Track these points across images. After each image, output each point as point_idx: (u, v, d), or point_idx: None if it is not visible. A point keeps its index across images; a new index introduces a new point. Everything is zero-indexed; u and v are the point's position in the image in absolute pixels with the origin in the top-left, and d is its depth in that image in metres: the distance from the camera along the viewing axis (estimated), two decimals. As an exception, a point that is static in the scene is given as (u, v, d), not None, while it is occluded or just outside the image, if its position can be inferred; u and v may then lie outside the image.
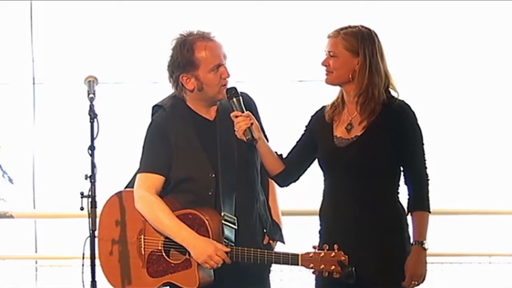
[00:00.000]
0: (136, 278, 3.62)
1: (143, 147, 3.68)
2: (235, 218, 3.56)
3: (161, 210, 3.55)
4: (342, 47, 3.53)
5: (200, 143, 3.61)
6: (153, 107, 3.73)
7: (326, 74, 3.58)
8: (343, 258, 3.33)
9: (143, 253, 3.62)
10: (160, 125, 3.64)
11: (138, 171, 3.66)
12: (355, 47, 3.52)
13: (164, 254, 3.59)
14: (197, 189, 3.59)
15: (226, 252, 3.47)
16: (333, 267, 3.33)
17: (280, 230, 3.79)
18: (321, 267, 3.34)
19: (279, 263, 3.47)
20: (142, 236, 3.62)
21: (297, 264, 3.40)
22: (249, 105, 3.68)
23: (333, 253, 3.34)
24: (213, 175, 3.58)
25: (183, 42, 3.58)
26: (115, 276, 3.66)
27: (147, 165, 3.64)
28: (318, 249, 3.37)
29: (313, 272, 3.38)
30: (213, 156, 3.59)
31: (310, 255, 3.37)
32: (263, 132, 3.74)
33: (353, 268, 3.31)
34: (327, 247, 3.35)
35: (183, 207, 3.58)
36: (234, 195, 3.58)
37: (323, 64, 3.57)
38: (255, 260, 3.45)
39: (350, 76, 3.53)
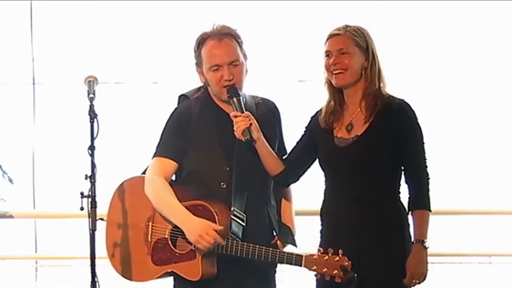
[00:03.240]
0: (139, 264, 3.62)
1: (162, 132, 3.70)
2: (245, 215, 3.56)
3: (165, 192, 3.56)
4: (353, 44, 3.52)
5: (219, 137, 3.62)
6: (179, 96, 3.77)
7: (339, 73, 3.54)
8: (346, 263, 3.33)
9: (149, 240, 3.62)
10: (182, 114, 3.67)
11: (153, 156, 3.68)
12: (363, 44, 3.53)
13: (170, 243, 3.59)
14: (210, 180, 3.60)
15: (234, 240, 3.45)
16: (335, 271, 3.33)
17: (292, 234, 3.79)
18: (324, 270, 3.34)
19: (282, 262, 3.47)
20: (150, 223, 3.62)
21: (300, 265, 3.40)
22: (273, 113, 3.74)
23: (337, 258, 3.34)
24: (228, 168, 3.59)
25: (199, 37, 3.65)
26: (118, 260, 3.66)
27: (161, 149, 3.66)
28: (323, 252, 3.36)
29: (316, 275, 3.38)
30: (231, 151, 3.60)
31: (314, 257, 3.37)
32: (283, 143, 3.77)
33: (355, 274, 3.31)
34: (332, 251, 3.35)
35: (194, 198, 3.58)
36: (246, 193, 3.59)
37: (334, 62, 3.53)
38: (259, 257, 3.45)
39: (362, 73, 3.53)
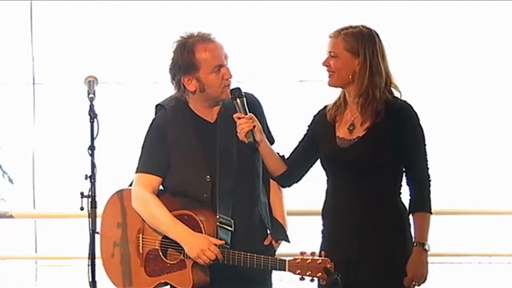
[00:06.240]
0: (135, 276, 3.65)
1: (142, 146, 3.69)
2: (232, 220, 3.56)
3: (155, 206, 3.56)
4: (343, 48, 3.52)
5: (199, 146, 3.61)
6: (156, 105, 3.74)
7: (329, 76, 3.57)
8: (329, 265, 3.32)
9: (141, 252, 3.64)
10: (160, 126, 3.66)
11: (136, 171, 3.68)
12: (355, 47, 3.51)
13: (161, 253, 3.60)
14: (192, 192, 3.60)
15: (220, 247, 3.46)
16: (319, 273, 3.33)
17: (285, 230, 3.78)
18: (308, 273, 3.34)
19: (267, 267, 3.46)
20: (141, 235, 3.64)
21: (284, 270, 3.40)
22: (255, 106, 3.68)
23: (320, 260, 3.34)
24: (209, 178, 3.58)
25: (183, 44, 3.58)
26: (115, 273, 3.69)
27: (144, 165, 3.66)
28: (305, 255, 3.36)
29: (300, 279, 3.38)
30: (211, 158, 3.59)
31: (297, 261, 3.37)
32: (270, 133, 3.74)
33: (338, 276, 3.31)
34: (314, 254, 3.36)
35: (180, 208, 3.58)
36: (232, 198, 3.58)
37: (324, 64, 3.57)
38: (244, 263, 3.45)
39: (350, 77, 3.52)
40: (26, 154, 7.89)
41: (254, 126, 3.54)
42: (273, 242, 3.73)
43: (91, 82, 3.52)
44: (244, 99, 3.57)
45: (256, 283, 3.67)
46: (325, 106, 3.69)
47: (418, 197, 3.53)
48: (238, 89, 3.58)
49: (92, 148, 3.41)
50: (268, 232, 3.73)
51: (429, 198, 3.54)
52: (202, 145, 3.61)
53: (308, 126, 3.73)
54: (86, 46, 7.76)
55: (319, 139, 3.65)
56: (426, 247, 3.49)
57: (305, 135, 3.73)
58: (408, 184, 3.56)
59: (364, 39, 3.51)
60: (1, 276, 6.77)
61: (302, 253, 3.37)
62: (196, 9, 7.50)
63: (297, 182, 3.76)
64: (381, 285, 3.48)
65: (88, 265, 3.42)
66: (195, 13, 7.44)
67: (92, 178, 3.39)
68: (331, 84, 3.58)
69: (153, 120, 3.71)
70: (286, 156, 3.73)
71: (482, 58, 7.69)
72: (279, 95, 7.64)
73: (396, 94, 3.58)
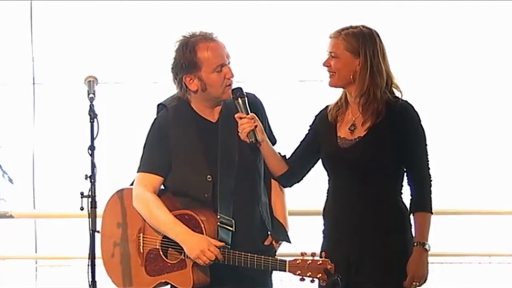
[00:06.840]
0: (135, 275, 3.65)
1: (144, 146, 3.69)
2: (232, 220, 3.56)
3: (156, 206, 3.56)
4: (343, 48, 3.52)
5: (200, 146, 3.61)
6: (158, 105, 3.74)
7: (329, 76, 3.57)
8: (329, 266, 3.32)
9: (141, 251, 3.64)
10: (161, 126, 3.66)
11: (137, 171, 3.68)
12: (356, 48, 3.51)
13: (161, 253, 3.60)
14: (193, 192, 3.60)
15: (220, 248, 3.46)
16: (319, 274, 3.33)
17: (285, 230, 3.78)
18: (308, 274, 3.34)
19: (267, 268, 3.46)
20: (141, 235, 3.64)
21: (285, 271, 3.40)
22: (256, 106, 3.68)
23: (320, 261, 3.34)
24: (210, 178, 3.58)
25: (185, 43, 3.58)
26: (115, 273, 3.69)
27: (145, 165, 3.66)
28: (306, 256, 3.36)
29: (301, 280, 3.38)
30: (213, 158, 3.59)
31: (297, 262, 3.37)
32: (271, 133, 3.74)
33: (339, 277, 3.31)
34: (315, 254, 3.36)
35: (181, 208, 3.59)
36: (233, 198, 3.58)
37: (325, 64, 3.57)
38: (245, 263, 3.45)
39: (351, 77, 3.52)
40: (26, 154, 7.89)
41: (255, 126, 3.54)
42: (274, 242, 3.73)
43: (91, 82, 3.52)
44: (246, 99, 3.57)
45: (256, 284, 3.66)
46: (327, 106, 3.69)
47: (419, 197, 3.53)
48: (240, 89, 3.58)
49: (92, 148, 3.41)
50: (269, 232, 3.73)
51: (430, 198, 3.53)
52: (204, 145, 3.61)
53: (310, 126, 3.73)
54: (86, 46, 7.77)
55: (320, 139, 3.65)
56: (427, 247, 3.49)
57: (306, 135, 3.73)
58: (409, 184, 3.56)
59: (364, 39, 3.51)
60: (1, 276, 6.77)
61: (302, 254, 3.37)
62: (196, 9, 7.50)
63: (298, 182, 3.76)
64: (382, 285, 3.49)
65: (88, 265, 3.42)
66: (196, 13, 7.45)
67: (92, 178, 3.39)
68: (332, 84, 3.58)
69: (154, 119, 3.71)
70: (287, 156, 3.73)
71: (482, 58, 7.70)
72: (279, 95, 7.64)
73: (397, 94, 3.58)
